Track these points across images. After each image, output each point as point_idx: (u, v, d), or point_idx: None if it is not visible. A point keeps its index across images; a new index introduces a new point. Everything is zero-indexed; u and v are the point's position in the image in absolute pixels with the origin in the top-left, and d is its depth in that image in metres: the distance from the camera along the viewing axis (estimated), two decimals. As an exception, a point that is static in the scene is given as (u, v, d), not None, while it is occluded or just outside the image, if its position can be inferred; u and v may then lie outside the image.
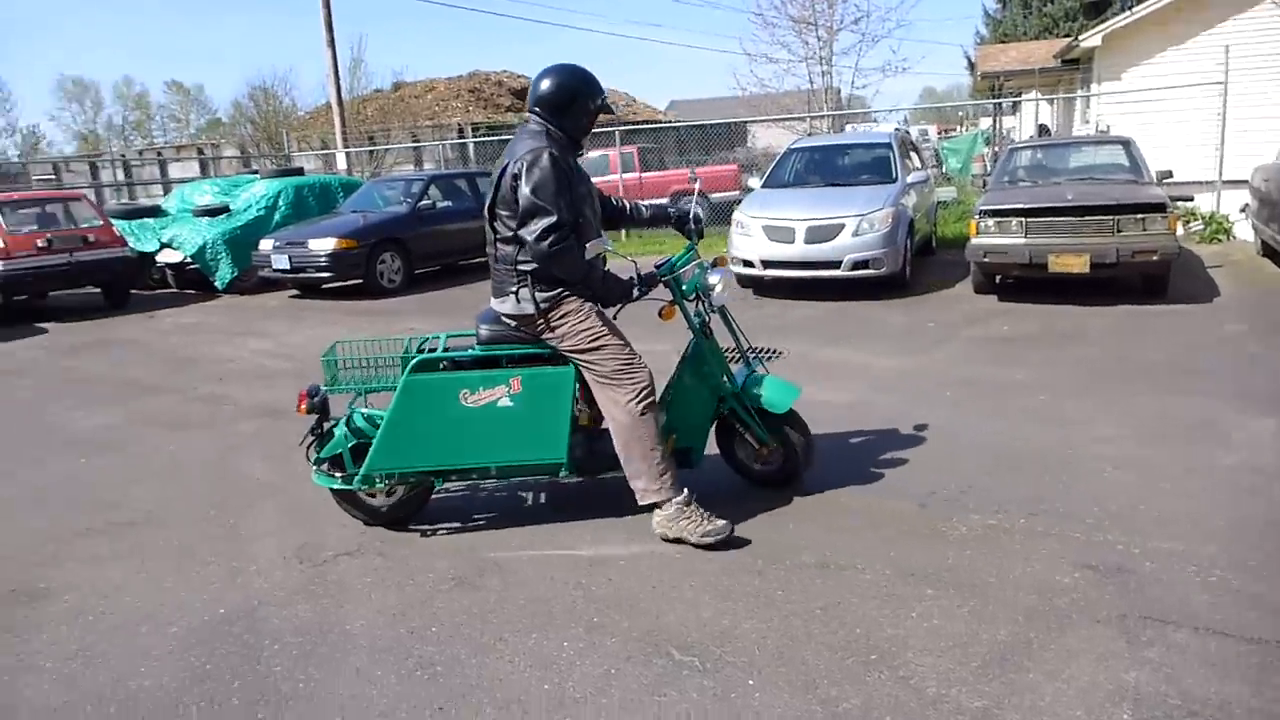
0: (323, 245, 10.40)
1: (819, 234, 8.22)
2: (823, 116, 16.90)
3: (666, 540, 3.42)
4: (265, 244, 10.94)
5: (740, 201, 9.25)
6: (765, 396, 3.69)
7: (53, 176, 27.91)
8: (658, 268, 3.59)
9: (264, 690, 2.63)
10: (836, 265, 8.19)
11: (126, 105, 64.58)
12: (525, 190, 3.22)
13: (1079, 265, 7.28)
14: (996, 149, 19.25)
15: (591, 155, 16.42)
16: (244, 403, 5.97)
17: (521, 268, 3.33)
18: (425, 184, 11.57)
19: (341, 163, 18.66)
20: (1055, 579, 3.01)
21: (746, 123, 20.97)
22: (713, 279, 3.62)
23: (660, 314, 3.59)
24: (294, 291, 11.21)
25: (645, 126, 20.01)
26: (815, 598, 2.98)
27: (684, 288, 3.62)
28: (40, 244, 10.25)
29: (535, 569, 3.30)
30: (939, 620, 2.80)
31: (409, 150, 22.96)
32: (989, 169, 16.01)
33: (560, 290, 3.36)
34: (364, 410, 3.67)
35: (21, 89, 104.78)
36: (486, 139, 19.24)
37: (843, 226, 8.18)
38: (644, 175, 15.48)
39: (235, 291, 11.62)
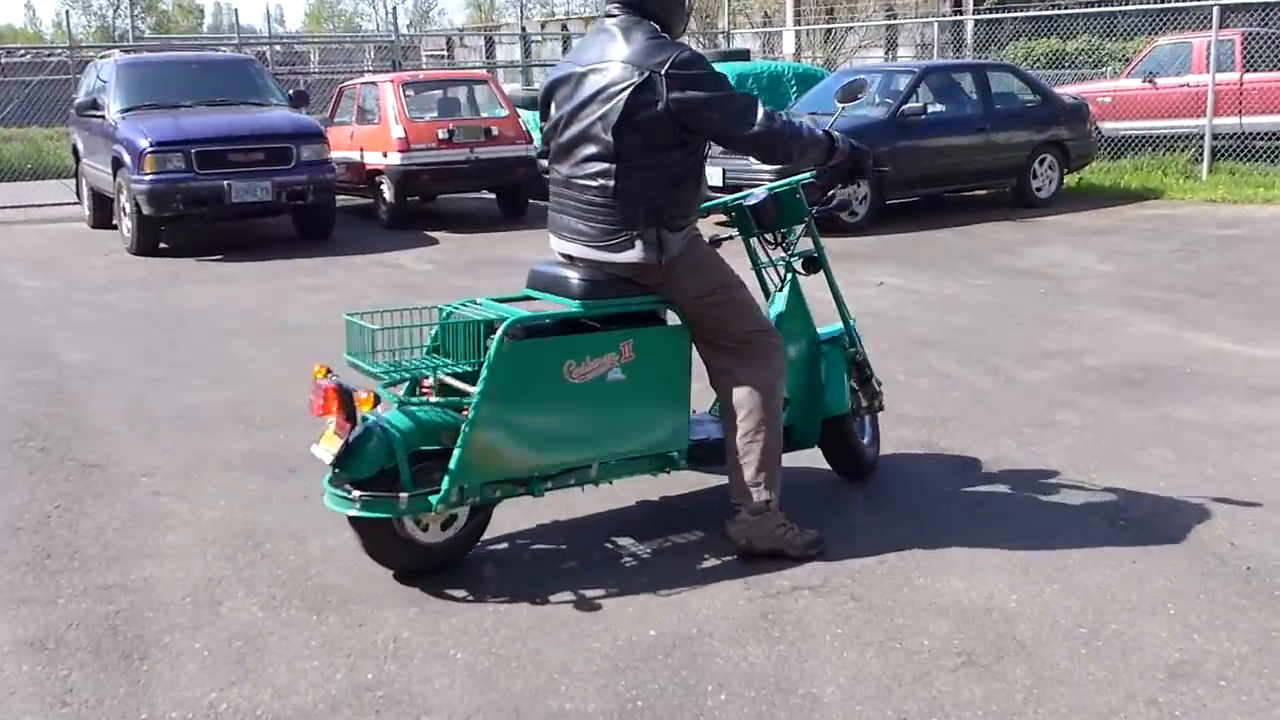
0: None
1: None
2: None
3: (752, 553, 3.76)
4: (697, 152, 11.71)
5: None
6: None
7: (444, 53, 32.48)
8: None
9: (709, 750, 2.82)
10: None
11: (529, -37, 72.92)
12: (698, 95, 3.52)
13: None
14: None
15: (1162, 43, 15.27)
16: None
17: (655, 204, 3.58)
18: (915, 79, 11.65)
19: (789, 44, 19.41)
20: None
21: None
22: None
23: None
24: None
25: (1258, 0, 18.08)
26: None
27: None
28: (441, 135, 11.88)
29: (1079, 662, 3.17)
30: None
31: (880, 29, 23.19)
32: None
33: (689, 229, 3.70)
34: (409, 405, 3.65)
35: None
36: (997, 14, 18.78)
37: None
38: (1247, 77, 14.07)
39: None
